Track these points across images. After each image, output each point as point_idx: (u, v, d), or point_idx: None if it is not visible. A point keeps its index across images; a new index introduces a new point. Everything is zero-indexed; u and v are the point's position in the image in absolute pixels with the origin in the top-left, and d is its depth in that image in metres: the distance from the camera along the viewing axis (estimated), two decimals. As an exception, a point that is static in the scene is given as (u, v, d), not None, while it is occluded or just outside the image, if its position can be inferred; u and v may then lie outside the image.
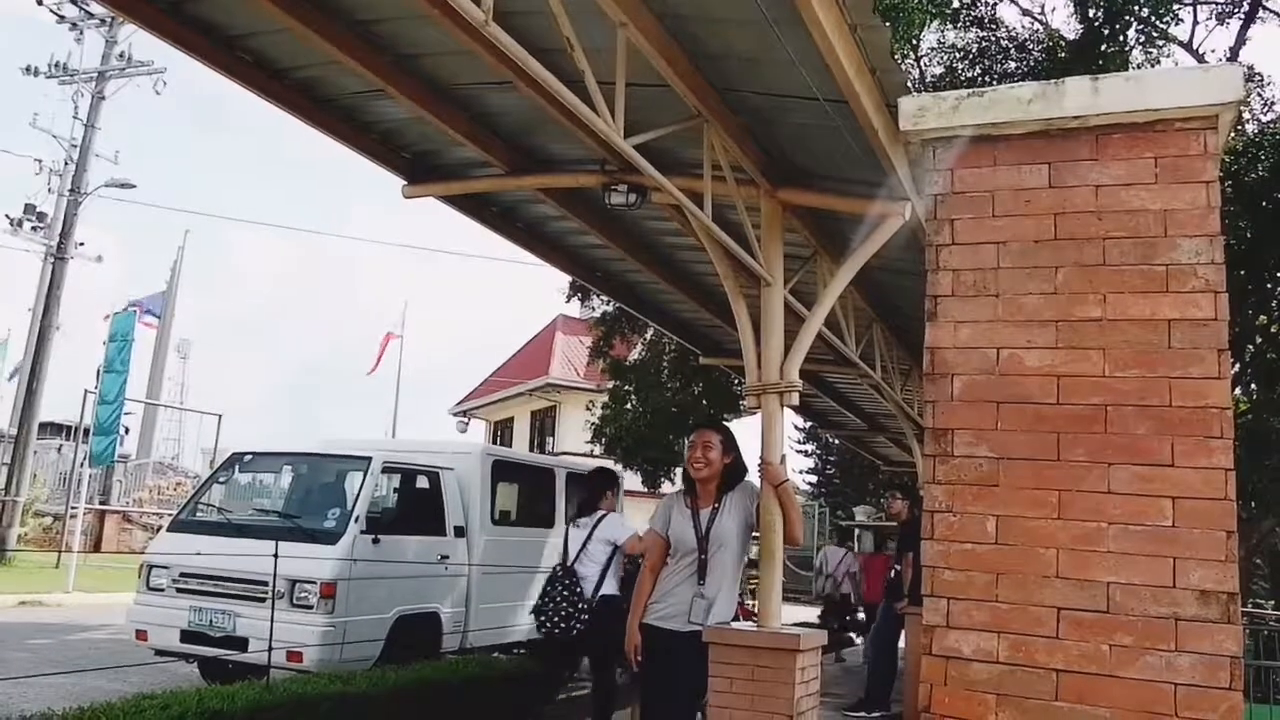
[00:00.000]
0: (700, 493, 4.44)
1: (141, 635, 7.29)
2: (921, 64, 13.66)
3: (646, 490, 15.81)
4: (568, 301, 16.26)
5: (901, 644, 8.55)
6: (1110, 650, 2.47)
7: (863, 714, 8.12)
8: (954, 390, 2.74)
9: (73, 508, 18.94)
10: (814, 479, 34.15)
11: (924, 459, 2.80)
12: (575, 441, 22.20)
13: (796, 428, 31.11)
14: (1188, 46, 13.86)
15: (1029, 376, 2.68)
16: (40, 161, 22.55)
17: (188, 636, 7.02)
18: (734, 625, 4.54)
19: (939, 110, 2.89)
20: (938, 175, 2.89)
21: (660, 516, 4.51)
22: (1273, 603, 18.19)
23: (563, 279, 14.11)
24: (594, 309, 16.28)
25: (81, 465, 19.02)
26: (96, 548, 21.84)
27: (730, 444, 4.50)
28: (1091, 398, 2.60)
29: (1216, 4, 13.50)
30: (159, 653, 7.22)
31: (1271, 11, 13.81)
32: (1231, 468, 2.46)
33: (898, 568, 8.60)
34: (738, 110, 4.84)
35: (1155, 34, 12.78)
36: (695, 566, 4.34)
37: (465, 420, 32.86)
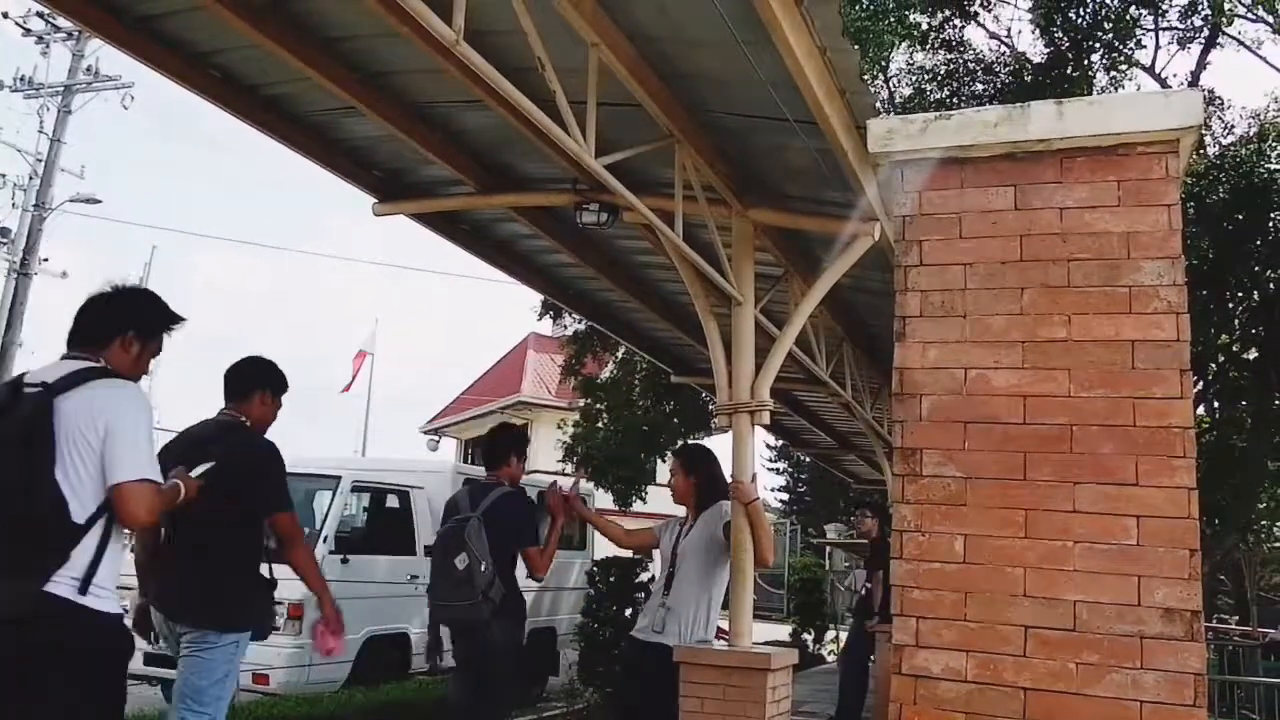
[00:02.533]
0: (689, 513, 4.77)
1: (104, 658, 7.16)
2: (891, 85, 13.82)
3: (619, 509, 15.77)
4: (539, 319, 16.23)
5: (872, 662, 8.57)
6: (1077, 668, 2.49)
7: (834, 732, 8.13)
8: (923, 410, 2.76)
9: (34, 527, 18.58)
10: (785, 497, 34.21)
11: (893, 478, 2.82)
12: (547, 460, 22.09)
13: (768, 446, 31.16)
14: (1150, 71, 14.12)
15: (996, 396, 2.70)
16: (4, 176, 22.26)
17: (152, 659, 6.89)
18: (704, 645, 4.55)
19: (907, 133, 2.92)
20: (906, 197, 2.92)
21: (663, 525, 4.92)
22: (1236, 618, 18.40)
23: (534, 297, 14.09)
24: (566, 327, 16.24)
25: (44, 484, 18.69)
26: (58, 568, 21.40)
27: (692, 464, 4.78)
28: (1057, 417, 2.63)
29: (1178, 30, 13.76)
30: (121, 675, 7.10)
31: (1231, 37, 14.10)
32: (1194, 487, 2.49)
33: (869, 585, 8.63)
34: (709, 130, 4.87)
35: (1119, 58, 13.02)
36: (665, 579, 4.60)
37: (436, 438, 32.63)
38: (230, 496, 3.47)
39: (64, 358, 2.86)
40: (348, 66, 4.65)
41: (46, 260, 21.72)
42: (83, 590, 2.64)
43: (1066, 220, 2.74)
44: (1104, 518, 2.54)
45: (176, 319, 3.19)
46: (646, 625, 4.57)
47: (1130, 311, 2.63)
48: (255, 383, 3.93)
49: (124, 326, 2.96)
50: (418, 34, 3.66)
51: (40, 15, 21.49)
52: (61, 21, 20.62)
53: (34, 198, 21.31)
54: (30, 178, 21.80)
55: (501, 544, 4.54)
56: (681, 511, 4.90)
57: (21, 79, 22.02)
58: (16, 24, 21.90)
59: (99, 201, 22.11)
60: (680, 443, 17.44)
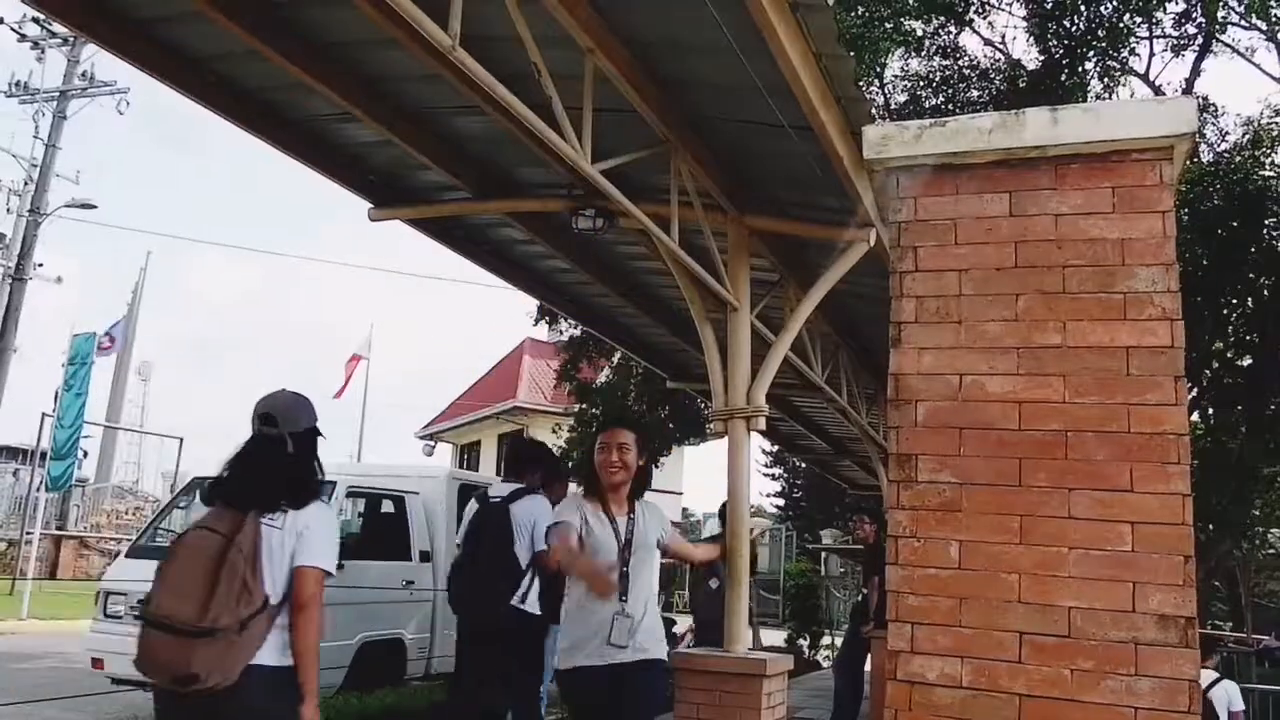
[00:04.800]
0: (612, 500, 3.89)
1: (98, 663, 7.14)
2: (886, 91, 13.84)
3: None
4: (535, 325, 16.21)
5: (868, 668, 8.56)
6: (1072, 674, 2.49)
7: (829, 738, 8.11)
8: (918, 416, 2.76)
9: (28, 533, 18.59)
10: (781, 502, 34.16)
11: (889, 484, 2.82)
12: (542, 465, 22.09)
13: (764, 451, 31.12)
14: (1145, 78, 14.16)
15: (991, 402, 2.70)
16: (-1, 181, 22.24)
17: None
18: (700, 651, 4.54)
19: (902, 139, 2.92)
20: (901, 203, 2.92)
21: (571, 512, 3.88)
22: (1231, 624, 18.41)
23: (530, 302, 14.10)
24: (561, 332, 16.24)
25: (38, 490, 18.66)
26: (52, 574, 21.41)
27: (644, 444, 4.02)
28: (1052, 423, 2.63)
29: (1172, 37, 13.80)
30: (115, 681, 7.08)
31: (1225, 44, 14.15)
32: (1189, 493, 2.49)
33: (865, 591, 8.63)
34: (705, 137, 4.88)
35: (1113, 65, 13.06)
36: (619, 580, 3.72)
37: (432, 443, 32.58)
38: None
39: (504, 480, 5.65)
40: (345, 72, 4.65)
41: (41, 265, 21.76)
42: (532, 605, 5.08)
43: (1061, 227, 2.74)
44: (1099, 524, 2.54)
45: (559, 462, 6.37)
46: (602, 641, 3.69)
47: (1125, 318, 2.63)
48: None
49: (535, 465, 5.67)
50: (414, 40, 3.67)
51: (36, 21, 21.48)
52: (57, 27, 20.61)
53: (29, 203, 21.30)
54: (25, 183, 21.80)
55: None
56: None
57: (17, 84, 22.02)
58: (12, 29, 21.88)
59: (94, 207, 22.14)
60: (672, 447, 17.44)
